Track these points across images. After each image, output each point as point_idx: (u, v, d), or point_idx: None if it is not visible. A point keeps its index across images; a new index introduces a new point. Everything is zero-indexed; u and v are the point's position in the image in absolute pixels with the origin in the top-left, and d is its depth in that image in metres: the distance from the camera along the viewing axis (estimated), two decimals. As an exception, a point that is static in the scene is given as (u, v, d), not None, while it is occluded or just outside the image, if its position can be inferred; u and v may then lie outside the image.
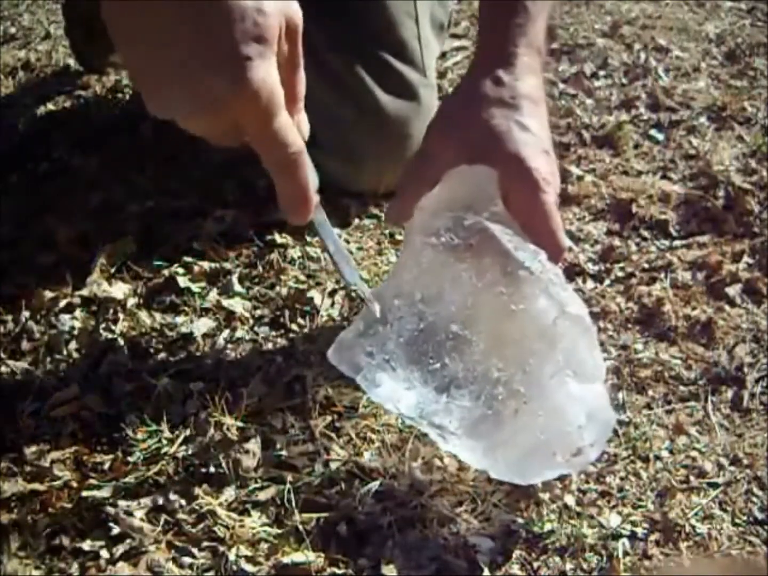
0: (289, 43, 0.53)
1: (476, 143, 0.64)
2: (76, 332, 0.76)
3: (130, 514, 0.61)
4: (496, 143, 0.64)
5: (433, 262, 0.62)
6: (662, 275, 0.84)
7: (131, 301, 0.80)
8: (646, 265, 0.85)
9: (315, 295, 0.80)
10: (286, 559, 0.58)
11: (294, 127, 0.54)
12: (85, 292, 0.80)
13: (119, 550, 0.59)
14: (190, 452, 0.65)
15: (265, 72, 0.50)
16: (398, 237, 0.88)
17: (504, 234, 0.61)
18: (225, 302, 0.79)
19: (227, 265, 0.83)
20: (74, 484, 0.63)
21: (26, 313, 0.78)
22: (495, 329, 0.61)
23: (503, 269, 0.60)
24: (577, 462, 0.60)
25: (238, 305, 0.79)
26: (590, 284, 0.83)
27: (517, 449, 0.60)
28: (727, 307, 0.80)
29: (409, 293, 0.62)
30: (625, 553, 0.60)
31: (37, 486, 0.62)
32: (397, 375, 0.61)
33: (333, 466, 0.65)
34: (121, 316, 0.78)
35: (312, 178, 0.57)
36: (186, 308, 0.79)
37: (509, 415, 0.59)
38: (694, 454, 0.67)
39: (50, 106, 1.12)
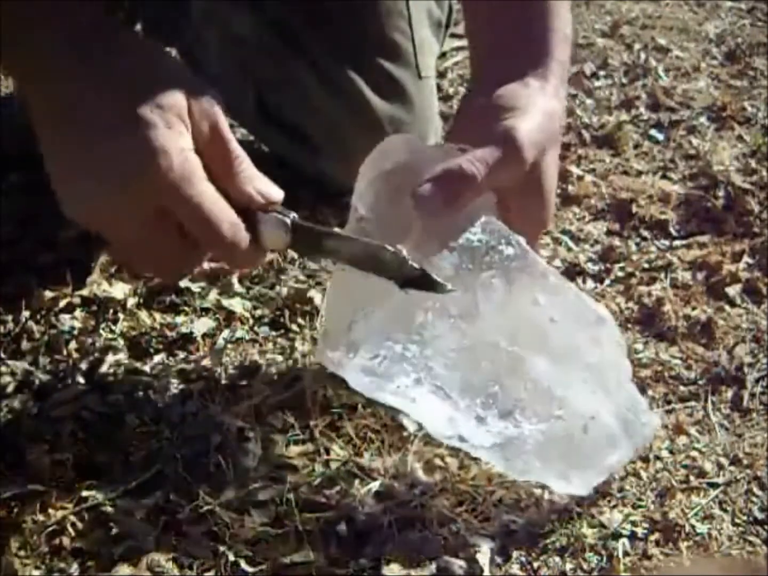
0: (204, 120, 0.54)
1: None
2: (76, 332, 0.76)
3: (130, 514, 0.61)
4: (538, 179, 0.62)
5: (457, 269, 0.58)
6: (662, 275, 0.84)
7: (131, 301, 0.79)
8: (646, 265, 0.85)
9: (315, 295, 0.80)
10: (286, 559, 0.58)
11: (222, 201, 0.53)
12: (85, 292, 0.80)
13: (119, 550, 0.59)
14: (190, 452, 0.65)
15: (171, 138, 0.51)
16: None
17: (514, 234, 0.59)
18: (225, 302, 0.79)
19: (227, 265, 0.83)
20: (74, 484, 0.63)
21: (26, 313, 0.78)
22: (542, 342, 0.59)
23: (530, 275, 0.58)
24: (624, 463, 0.62)
25: (238, 305, 0.79)
26: (590, 284, 0.83)
27: (588, 465, 0.60)
28: (727, 307, 0.80)
29: (441, 306, 0.58)
30: (625, 553, 0.60)
31: (37, 486, 0.62)
32: (456, 404, 0.58)
33: (333, 466, 0.65)
34: (121, 316, 0.78)
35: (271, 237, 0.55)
36: (186, 308, 0.79)
37: (579, 434, 0.58)
38: (694, 454, 0.67)
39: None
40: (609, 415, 0.59)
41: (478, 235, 0.58)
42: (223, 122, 0.55)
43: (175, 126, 0.52)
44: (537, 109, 0.61)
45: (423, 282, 0.55)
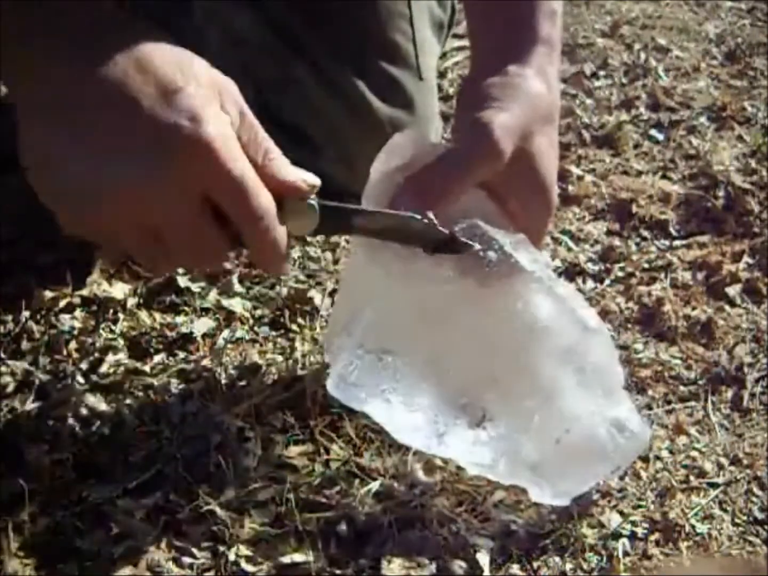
0: (233, 106, 0.52)
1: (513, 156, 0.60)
2: (76, 332, 0.76)
3: (130, 514, 0.61)
4: (530, 164, 0.61)
5: (435, 277, 0.57)
6: (662, 275, 0.84)
7: (131, 301, 0.80)
8: (646, 265, 0.85)
9: (315, 295, 0.80)
10: (286, 559, 0.58)
11: (260, 183, 0.51)
12: (85, 292, 0.80)
13: (119, 550, 0.59)
14: (190, 452, 0.65)
15: (212, 111, 0.49)
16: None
17: (503, 237, 0.58)
18: (225, 302, 0.79)
19: (227, 265, 0.83)
20: (74, 484, 0.63)
21: (26, 313, 0.78)
22: (518, 352, 0.58)
23: (512, 281, 0.58)
24: (612, 475, 0.61)
25: (238, 305, 0.79)
26: (590, 284, 0.83)
27: (562, 476, 0.59)
28: (727, 307, 0.80)
29: (413, 315, 0.58)
30: (625, 553, 0.60)
31: (37, 486, 0.62)
32: (426, 415, 0.59)
33: (333, 466, 0.65)
34: (121, 316, 0.78)
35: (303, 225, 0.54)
36: (186, 308, 0.79)
37: (551, 445, 0.58)
38: (694, 454, 0.67)
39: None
40: (591, 426, 0.58)
41: None
42: (248, 109, 0.53)
43: (212, 101, 0.50)
44: (514, 96, 0.60)
45: (451, 245, 0.56)
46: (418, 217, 0.56)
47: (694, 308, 0.80)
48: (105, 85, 0.49)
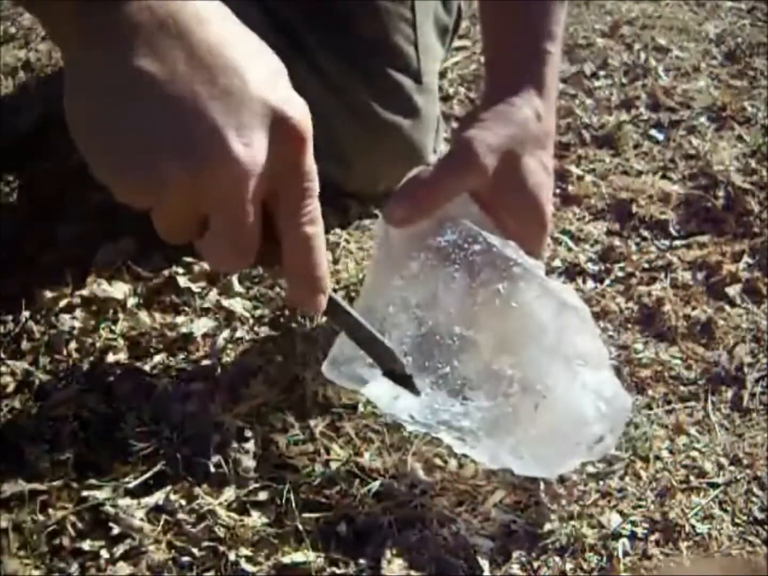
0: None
1: (498, 172, 0.64)
2: (76, 332, 0.76)
3: (130, 514, 0.61)
4: (519, 181, 0.66)
5: (423, 266, 0.62)
6: (662, 275, 0.84)
7: (131, 301, 0.79)
8: (646, 265, 0.85)
9: (315, 295, 0.80)
10: (286, 559, 0.58)
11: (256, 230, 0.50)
12: (85, 292, 0.80)
13: (119, 550, 0.59)
14: (190, 452, 0.65)
15: (262, 149, 0.49)
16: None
17: (487, 233, 0.62)
18: (225, 302, 0.79)
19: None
20: (74, 484, 0.63)
21: (26, 313, 0.78)
22: (498, 327, 0.61)
23: (495, 267, 0.61)
24: (599, 449, 0.61)
25: (238, 305, 0.79)
26: (590, 284, 0.83)
27: (542, 443, 0.60)
28: (727, 307, 0.80)
29: (403, 299, 0.62)
30: (625, 553, 0.60)
31: (37, 486, 0.62)
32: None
33: (333, 466, 0.65)
34: (121, 316, 0.78)
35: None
36: (186, 308, 0.79)
37: (529, 411, 0.60)
38: (694, 454, 0.67)
39: (50, 106, 1.12)
40: (570, 393, 0.60)
41: (446, 236, 0.62)
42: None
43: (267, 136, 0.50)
44: (499, 120, 0.65)
45: (403, 380, 0.61)
46: (384, 341, 0.60)
47: (694, 308, 0.80)
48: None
